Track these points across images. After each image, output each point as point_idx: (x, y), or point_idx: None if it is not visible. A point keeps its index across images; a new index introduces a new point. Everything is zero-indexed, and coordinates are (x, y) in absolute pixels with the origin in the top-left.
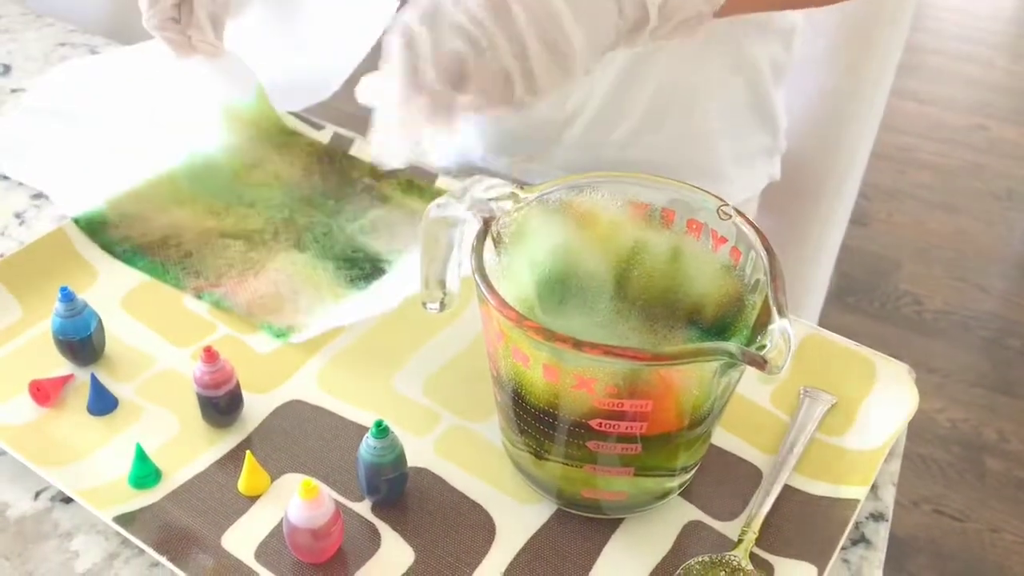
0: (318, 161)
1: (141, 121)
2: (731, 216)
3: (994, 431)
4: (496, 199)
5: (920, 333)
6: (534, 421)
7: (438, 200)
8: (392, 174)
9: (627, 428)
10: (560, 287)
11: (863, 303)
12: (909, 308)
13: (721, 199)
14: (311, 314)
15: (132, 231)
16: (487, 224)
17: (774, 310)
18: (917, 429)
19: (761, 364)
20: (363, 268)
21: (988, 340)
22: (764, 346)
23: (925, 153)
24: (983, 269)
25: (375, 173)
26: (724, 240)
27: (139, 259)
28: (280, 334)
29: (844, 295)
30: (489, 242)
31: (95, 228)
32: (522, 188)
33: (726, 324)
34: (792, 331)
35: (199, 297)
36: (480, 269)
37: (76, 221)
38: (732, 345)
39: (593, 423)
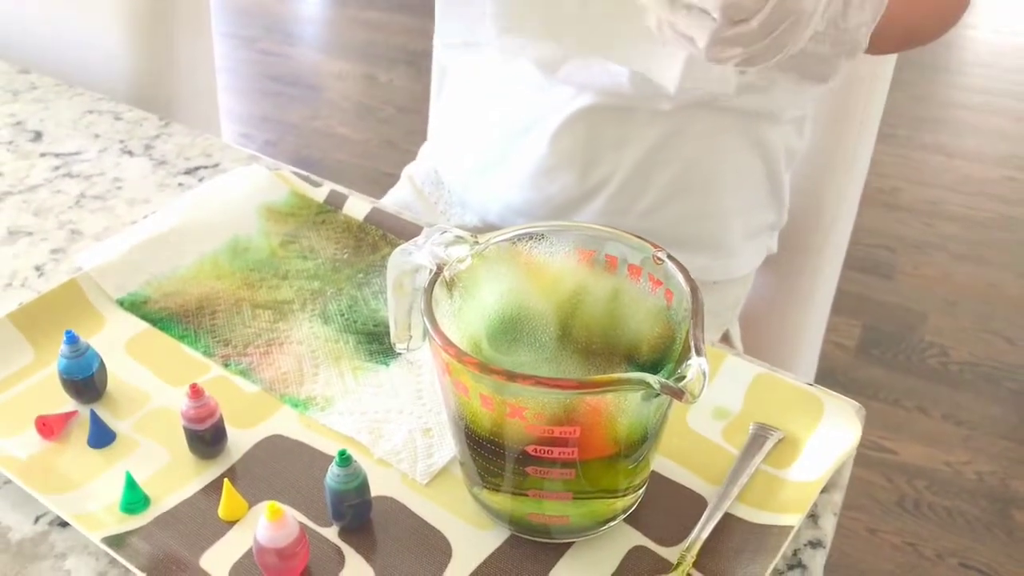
0: (352, 235)
1: (183, 207)
2: (664, 261)
3: (1022, 484)
4: (450, 246)
5: (947, 385)
6: (480, 449)
7: (400, 247)
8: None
9: (560, 454)
10: (511, 326)
11: (888, 356)
12: (935, 360)
13: (656, 245)
14: (329, 387)
15: (170, 303)
16: (440, 269)
17: (692, 346)
18: (943, 482)
19: (678, 394)
20: (383, 343)
21: (1015, 392)
22: (683, 378)
23: (953, 206)
24: (1011, 321)
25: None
26: (660, 283)
27: (174, 326)
28: (299, 405)
29: (869, 348)
30: (444, 286)
31: (137, 306)
32: (475, 236)
33: (659, 360)
34: (707, 366)
35: (226, 366)
36: (428, 310)
37: (120, 302)
38: (649, 376)
39: (529, 449)
